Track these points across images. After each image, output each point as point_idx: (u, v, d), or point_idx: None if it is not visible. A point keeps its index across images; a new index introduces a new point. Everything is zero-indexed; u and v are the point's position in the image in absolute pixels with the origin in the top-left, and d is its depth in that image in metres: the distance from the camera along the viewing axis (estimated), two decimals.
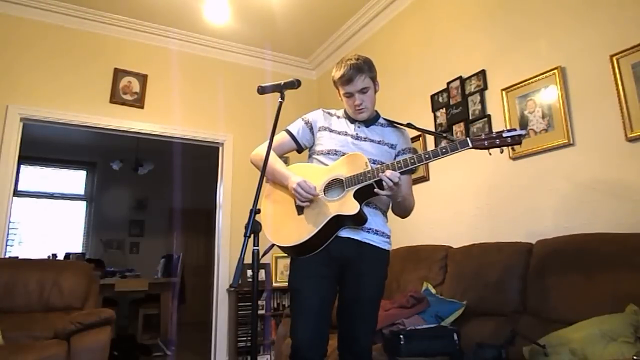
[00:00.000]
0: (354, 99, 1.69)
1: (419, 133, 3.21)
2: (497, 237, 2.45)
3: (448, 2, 3.16)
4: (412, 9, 3.51)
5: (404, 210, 1.73)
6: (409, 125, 1.81)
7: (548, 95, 2.36)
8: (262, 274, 4.04)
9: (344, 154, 1.67)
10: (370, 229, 1.64)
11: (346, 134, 1.74)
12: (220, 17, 3.81)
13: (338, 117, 1.82)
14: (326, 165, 1.70)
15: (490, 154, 1.51)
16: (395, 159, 1.73)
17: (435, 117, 3.13)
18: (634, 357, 1.34)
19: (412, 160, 1.52)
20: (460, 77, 2.94)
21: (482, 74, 2.78)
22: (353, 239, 1.61)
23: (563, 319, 1.78)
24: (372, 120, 1.78)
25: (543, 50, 2.42)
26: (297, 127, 1.82)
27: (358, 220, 1.57)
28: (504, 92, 2.60)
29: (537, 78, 2.41)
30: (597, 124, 2.13)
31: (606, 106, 2.08)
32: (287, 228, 1.64)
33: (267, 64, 4.62)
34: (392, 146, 1.75)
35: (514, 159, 2.51)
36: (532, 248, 2.15)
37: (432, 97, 3.17)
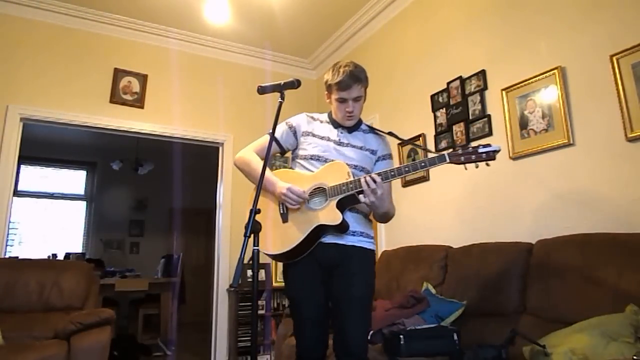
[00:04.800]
0: (346, 105, 1.73)
1: (420, 133, 3.22)
2: (497, 237, 2.45)
3: (448, 2, 3.15)
4: (412, 9, 3.51)
5: (384, 219, 1.77)
6: (391, 134, 1.87)
7: (548, 95, 2.36)
8: (262, 274, 4.03)
9: (326, 160, 1.72)
10: (354, 232, 1.69)
11: (329, 139, 1.78)
12: (220, 17, 3.81)
13: (321, 121, 1.85)
14: (309, 170, 1.74)
15: (466, 168, 1.54)
16: (375, 164, 1.80)
17: (435, 117, 3.13)
18: (634, 357, 1.34)
19: (392, 173, 1.57)
20: (460, 77, 2.94)
21: (482, 74, 2.78)
22: (339, 244, 1.66)
23: (563, 319, 1.78)
24: (354, 126, 1.82)
25: (543, 50, 2.42)
26: (280, 130, 1.85)
27: (341, 229, 1.63)
28: (504, 92, 2.60)
29: (537, 78, 2.41)
30: (597, 124, 2.13)
31: (606, 106, 2.08)
32: (271, 236, 1.69)
33: (267, 64, 4.62)
34: (372, 152, 1.80)
35: (514, 158, 2.51)
36: (532, 248, 2.15)
37: (432, 97, 3.17)
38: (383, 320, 2.26)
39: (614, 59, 2.05)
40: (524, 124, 2.47)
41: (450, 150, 1.58)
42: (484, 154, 1.50)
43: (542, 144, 2.36)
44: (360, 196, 1.57)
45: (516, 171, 2.50)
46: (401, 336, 1.92)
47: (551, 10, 2.41)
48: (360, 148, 1.78)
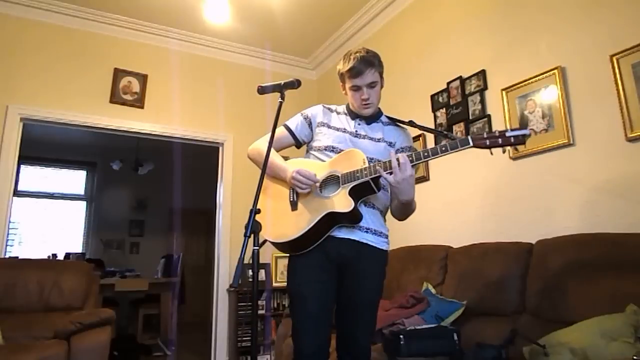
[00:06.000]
0: (361, 93, 1.66)
1: (420, 133, 3.21)
2: (497, 237, 2.45)
3: (448, 2, 3.16)
4: (412, 9, 3.51)
5: (404, 213, 1.66)
6: (411, 123, 1.77)
7: (548, 95, 2.36)
8: (262, 274, 4.03)
9: (340, 151, 1.65)
10: (368, 228, 1.61)
11: (345, 130, 1.71)
12: (220, 17, 3.81)
13: (338, 113, 1.79)
14: (322, 161, 1.67)
15: (492, 153, 1.43)
16: None
17: (435, 117, 3.13)
18: (634, 357, 1.34)
19: (411, 158, 1.47)
20: (460, 77, 2.94)
21: (482, 74, 2.78)
22: (351, 239, 1.59)
23: (563, 319, 1.78)
24: (374, 117, 1.75)
25: (543, 50, 2.42)
26: (295, 122, 1.79)
27: (353, 218, 1.54)
28: (504, 92, 2.60)
29: (537, 78, 2.41)
30: (597, 124, 2.13)
31: (606, 106, 2.08)
32: (279, 224, 1.63)
33: (267, 64, 4.62)
34: (391, 144, 1.72)
35: (514, 158, 2.51)
36: (532, 248, 2.15)
37: (432, 97, 3.17)
38: (383, 320, 2.26)
39: (614, 58, 2.05)
40: (524, 124, 2.47)
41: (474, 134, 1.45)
42: (512, 138, 1.38)
43: (542, 144, 2.36)
44: (385, 176, 1.45)
45: (516, 171, 2.50)
46: (401, 336, 1.92)
47: (551, 10, 2.41)
48: (378, 140, 1.69)
